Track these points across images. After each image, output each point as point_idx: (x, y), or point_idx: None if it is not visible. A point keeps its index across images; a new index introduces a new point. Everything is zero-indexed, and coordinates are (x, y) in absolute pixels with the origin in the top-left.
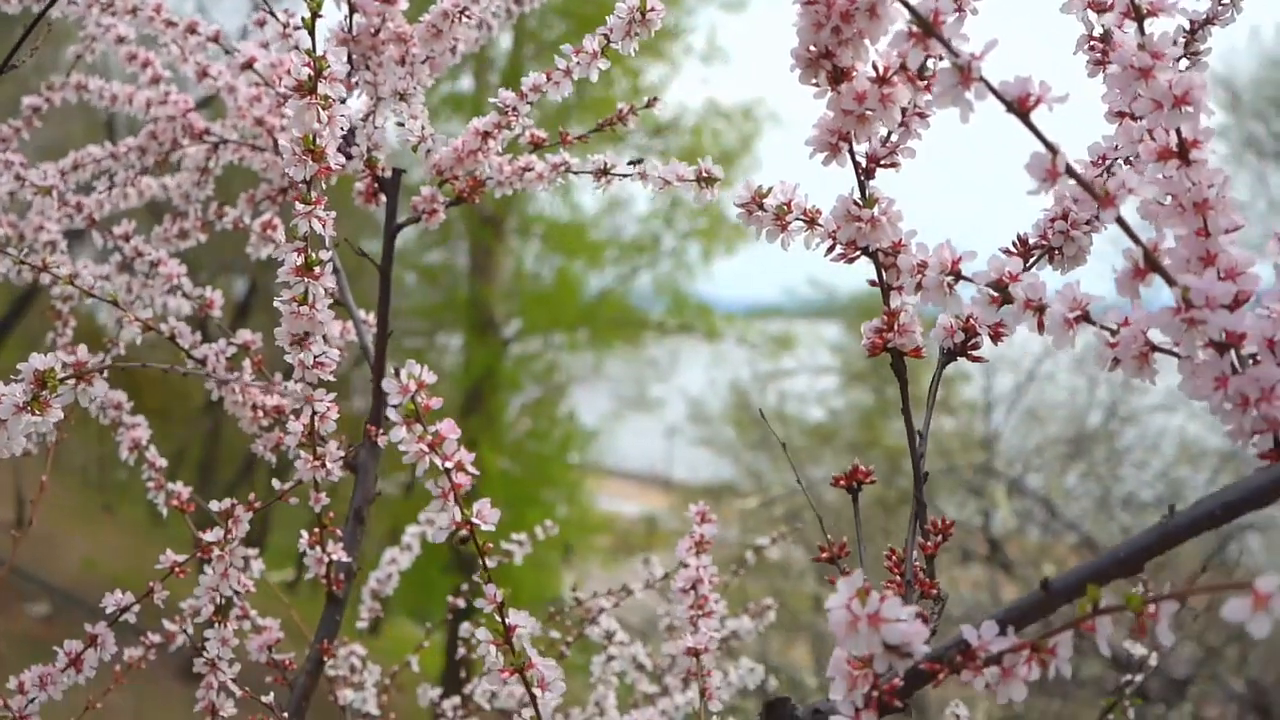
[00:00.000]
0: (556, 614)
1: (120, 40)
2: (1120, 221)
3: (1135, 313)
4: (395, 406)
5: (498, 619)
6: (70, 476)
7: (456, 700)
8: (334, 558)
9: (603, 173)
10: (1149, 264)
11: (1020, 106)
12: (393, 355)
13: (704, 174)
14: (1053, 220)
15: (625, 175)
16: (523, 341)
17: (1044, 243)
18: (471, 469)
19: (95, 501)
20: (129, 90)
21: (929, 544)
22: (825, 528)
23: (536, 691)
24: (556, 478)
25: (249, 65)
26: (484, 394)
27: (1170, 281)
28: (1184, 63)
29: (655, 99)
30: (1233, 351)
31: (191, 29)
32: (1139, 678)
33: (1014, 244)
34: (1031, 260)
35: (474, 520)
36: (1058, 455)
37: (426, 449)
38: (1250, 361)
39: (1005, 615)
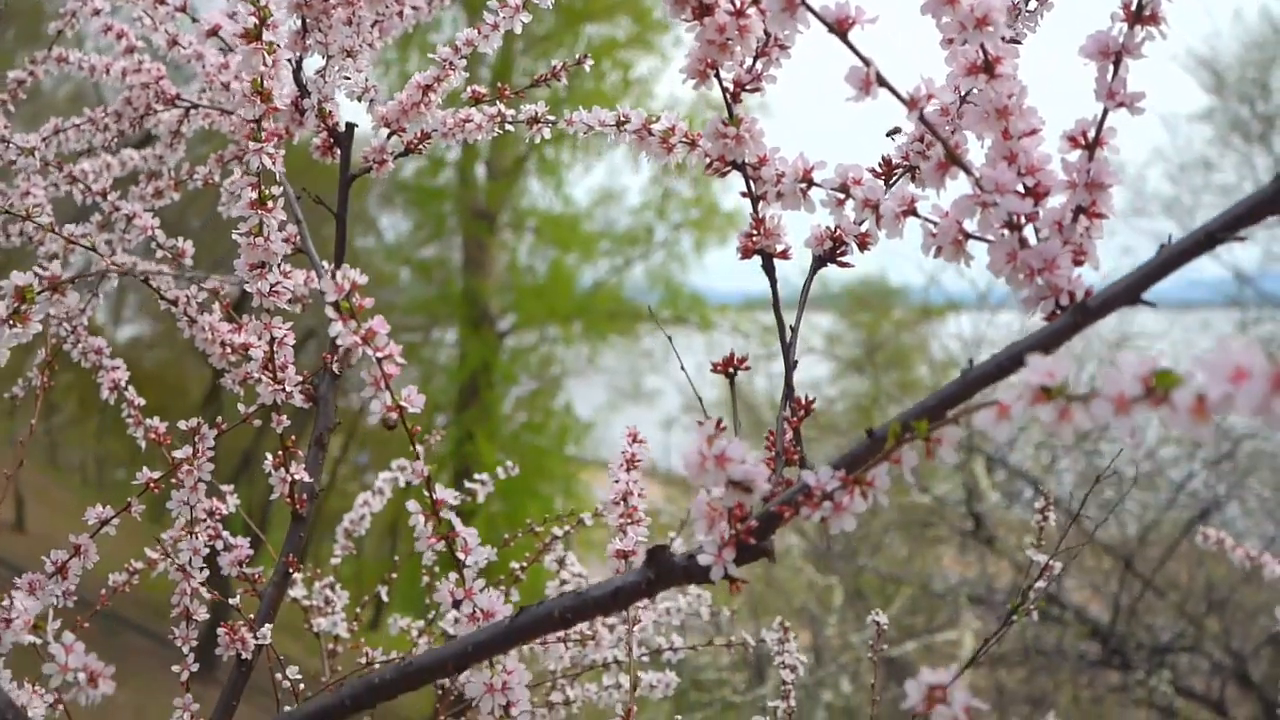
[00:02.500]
0: (511, 540)
1: (96, 13)
2: (923, 121)
3: (951, 207)
4: (332, 304)
5: (426, 494)
6: (69, 476)
7: (421, 624)
8: (296, 478)
9: (534, 120)
10: (950, 158)
11: (840, 27)
12: None
13: (621, 119)
14: (913, 142)
15: (553, 122)
16: (517, 335)
17: (905, 162)
18: (400, 359)
19: (94, 500)
20: (106, 61)
21: (795, 419)
22: None
23: (460, 555)
24: (553, 470)
25: (214, 32)
26: (480, 387)
27: (968, 172)
28: (1033, 3)
29: (585, 56)
30: (1032, 232)
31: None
32: (1041, 584)
33: (879, 163)
34: (895, 177)
35: (403, 404)
36: (1040, 430)
37: (360, 341)
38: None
39: (838, 462)
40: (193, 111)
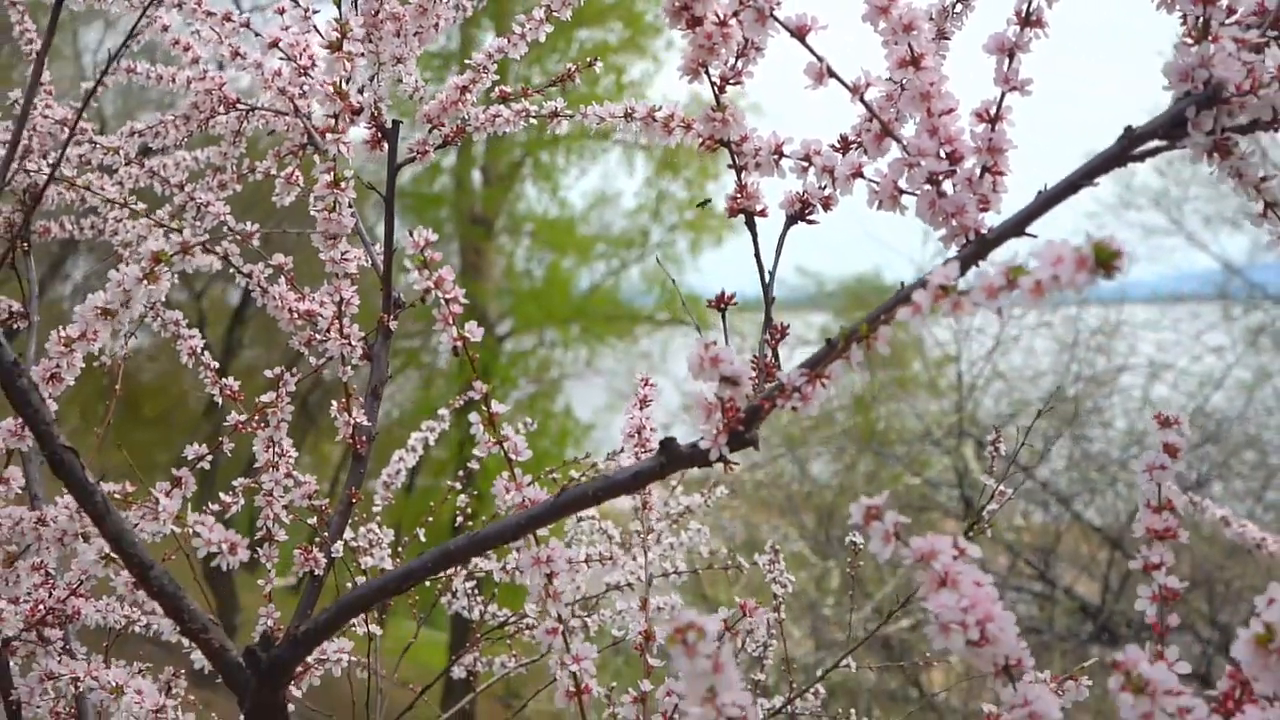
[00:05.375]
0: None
1: (165, 29)
2: (865, 104)
3: (888, 169)
4: (409, 256)
5: (485, 408)
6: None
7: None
8: (357, 422)
9: (554, 115)
10: (884, 132)
11: (800, 33)
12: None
13: (628, 111)
14: (863, 121)
15: (570, 116)
16: (516, 339)
17: (858, 138)
18: (463, 300)
19: None
20: (172, 71)
21: (773, 340)
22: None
23: (511, 456)
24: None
25: (274, 44)
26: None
27: (899, 141)
28: (959, 6)
29: (595, 59)
30: (951, 186)
31: (227, 18)
32: (994, 507)
33: (839, 139)
34: (850, 150)
35: (466, 334)
36: (1031, 415)
37: (432, 286)
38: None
39: (805, 363)
40: (251, 114)
